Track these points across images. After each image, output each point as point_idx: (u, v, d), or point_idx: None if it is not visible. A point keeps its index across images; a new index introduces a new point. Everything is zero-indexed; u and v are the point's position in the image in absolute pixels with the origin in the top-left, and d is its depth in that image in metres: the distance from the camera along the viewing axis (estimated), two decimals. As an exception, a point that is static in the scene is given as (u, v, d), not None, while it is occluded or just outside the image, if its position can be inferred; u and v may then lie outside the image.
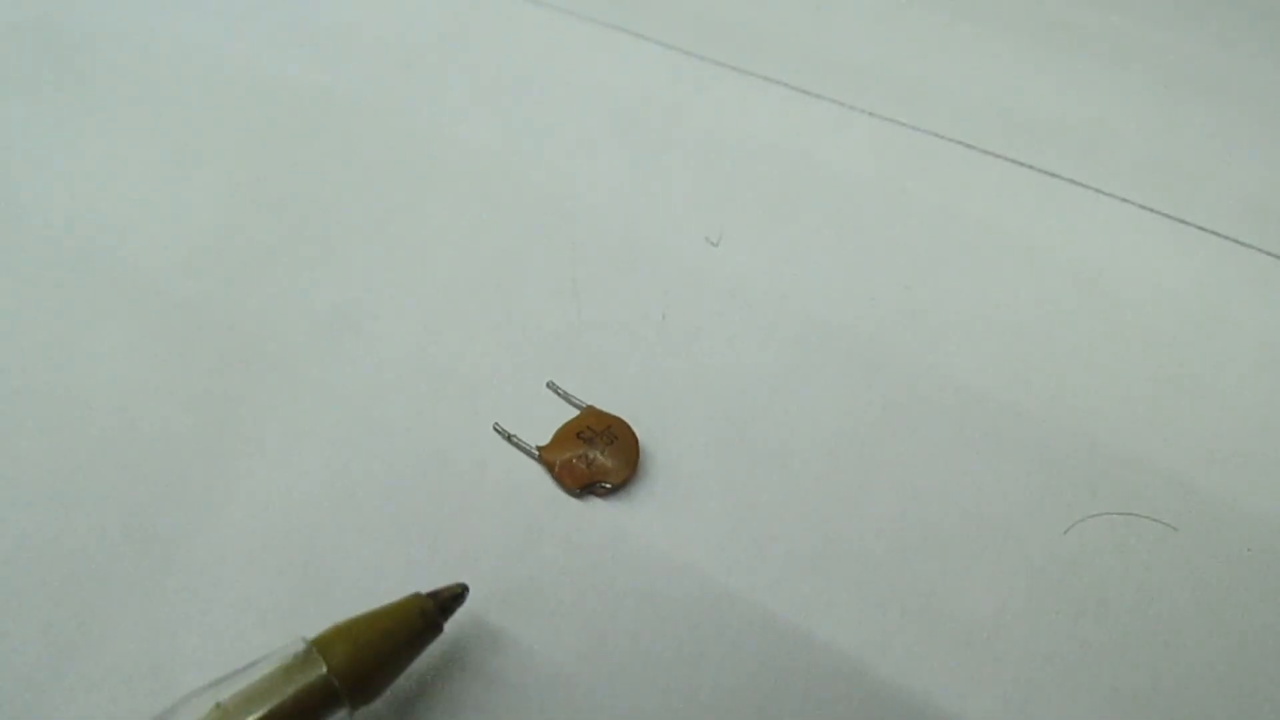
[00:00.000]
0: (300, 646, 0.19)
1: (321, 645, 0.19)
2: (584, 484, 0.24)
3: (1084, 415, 0.26)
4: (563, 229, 0.30)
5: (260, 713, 0.18)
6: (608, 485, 0.24)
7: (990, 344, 0.28)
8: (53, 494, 0.24)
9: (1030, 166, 0.32)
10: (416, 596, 0.21)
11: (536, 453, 0.25)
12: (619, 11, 0.36)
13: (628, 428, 0.25)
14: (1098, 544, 0.24)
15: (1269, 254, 0.30)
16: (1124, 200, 0.31)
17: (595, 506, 0.24)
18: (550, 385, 0.26)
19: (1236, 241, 0.31)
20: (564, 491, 0.24)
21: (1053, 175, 0.32)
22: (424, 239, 0.29)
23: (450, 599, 0.21)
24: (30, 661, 0.21)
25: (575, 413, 0.26)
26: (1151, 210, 0.31)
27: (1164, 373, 0.27)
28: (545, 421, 0.25)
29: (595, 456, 0.24)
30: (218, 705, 0.19)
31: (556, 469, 0.24)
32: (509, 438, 0.25)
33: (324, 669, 0.19)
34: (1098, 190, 0.32)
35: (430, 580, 0.21)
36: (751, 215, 0.31)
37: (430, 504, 0.24)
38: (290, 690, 0.19)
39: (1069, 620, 0.23)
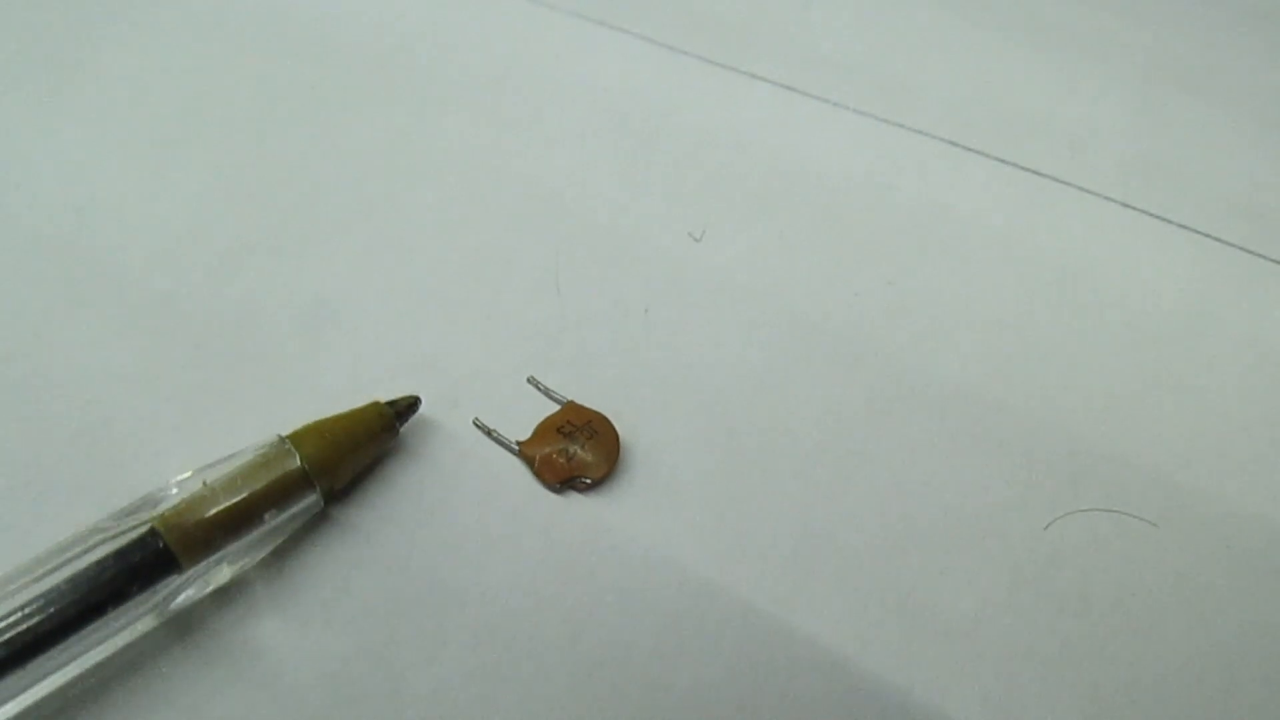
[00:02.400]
0: (275, 440, 0.22)
1: (295, 439, 0.22)
2: (564, 479, 0.24)
3: (1066, 412, 0.26)
4: (545, 223, 0.30)
5: (244, 494, 0.21)
6: (588, 480, 0.24)
7: (973, 340, 0.28)
8: (24, 485, 0.23)
9: (1014, 164, 0.32)
10: (377, 403, 0.24)
11: (516, 448, 0.25)
12: (604, 6, 0.36)
13: (608, 423, 0.25)
14: (1079, 540, 0.24)
15: (1252, 253, 0.30)
16: (1107, 198, 0.32)
17: (575, 501, 0.24)
18: (531, 380, 0.26)
19: (1220, 240, 0.31)
20: (544, 486, 0.24)
21: (1037, 173, 0.32)
22: (406, 232, 0.29)
23: (406, 407, 0.24)
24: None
25: (556, 408, 0.25)
26: (1135, 208, 0.31)
27: (1146, 370, 0.27)
28: (526, 417, 0.25)
29: (575, 451, 0.24)
30: (205, 484, 0.21)
31: (536, 464, 0.24)
32: (489, 433, 0.25)
33: (298, 459, 0.21)
34: (1081, 188, 0.32)
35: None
36: (735, 211, 0.31)
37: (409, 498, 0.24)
38: (268, 477, 0.21)
39: (1050, 615, 0.23)
